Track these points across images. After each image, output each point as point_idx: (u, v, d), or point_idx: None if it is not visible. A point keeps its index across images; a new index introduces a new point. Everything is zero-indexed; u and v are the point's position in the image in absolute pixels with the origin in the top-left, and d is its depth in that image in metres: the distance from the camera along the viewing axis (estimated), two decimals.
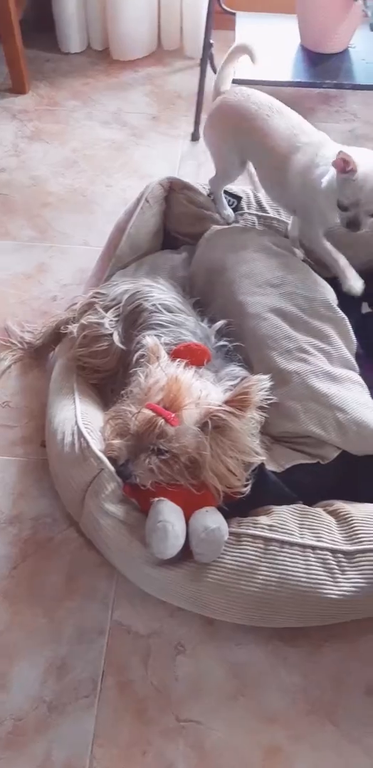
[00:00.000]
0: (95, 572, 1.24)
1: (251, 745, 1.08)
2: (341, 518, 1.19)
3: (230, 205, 1.61)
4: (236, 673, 1.15)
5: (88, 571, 1.24)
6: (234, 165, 1.55)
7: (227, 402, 1.05)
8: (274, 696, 1.13)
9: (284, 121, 1.46)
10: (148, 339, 1.13)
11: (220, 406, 1.05)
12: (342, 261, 1.45)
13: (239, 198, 1.64)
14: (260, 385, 1.06)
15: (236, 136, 1.50)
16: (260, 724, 1.10)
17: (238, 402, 1.05)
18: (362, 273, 1.47)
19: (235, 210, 1.61)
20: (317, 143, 1.42)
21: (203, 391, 1.07)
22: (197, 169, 2.06)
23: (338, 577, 1.10)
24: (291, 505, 1.20)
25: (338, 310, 1.42)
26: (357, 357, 1.46)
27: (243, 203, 1.64)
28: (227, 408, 1.04)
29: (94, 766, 1.05)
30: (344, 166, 1.29)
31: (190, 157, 2.14)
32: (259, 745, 1.08)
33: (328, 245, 1.46)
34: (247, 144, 1.50)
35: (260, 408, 1.10)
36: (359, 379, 1.37)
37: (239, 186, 1.70)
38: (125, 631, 1.18)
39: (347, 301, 1.52)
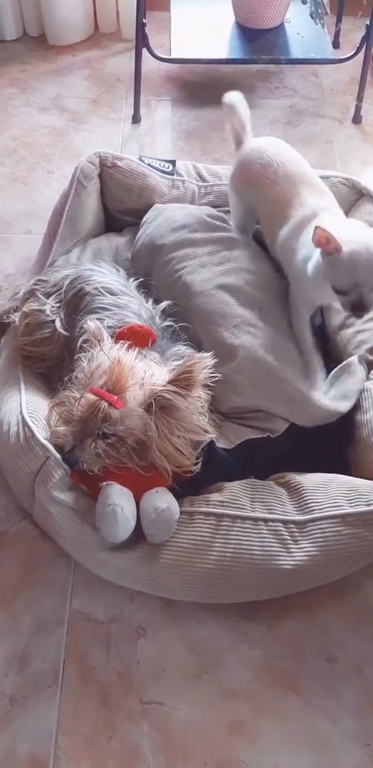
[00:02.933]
0: (52, 563, 1.23)
1: (215, 721, 1.09)
2: (292, 489, 1.20)
3: (165, 170, 1.59)
4: (197, 651, 1.15)
5: (44, 562, 1.23)
6: (243, 218, 1.49)
7: (170, 381, 1.04)
8: (235, 671, 1.13)
9: (287, 185, 1.35)
10: (90, 323, 1.12)
11: (164, 386, 1.04)
12: (314, 364, 1.34)
13: (173, 162, 1.63)
14: (204, 362, 1.06)
15: (244, 193, 1.46)
16: (223, 700, 1.11)
17: (182, 381, 1.05)
18: None
19: (171, 174, 1.60)
20: (309, 216, 1.28)
21: (147, 371, 1.07)
22: (140, 150, 2.04)
23: (291, 548, 1.11)
24: (242, 480, 1.20)
25: (282, 283, 1.42)
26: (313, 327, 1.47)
27: (182, 171, 1.62)
28: (171, 388, 1.04)
29: (58, 756, 1.04)
30: (325, 244, 1.15)
31: (132, 139, 2.11)
32: (223, 720, 1.09)
33: (308, 337, 1.36)
34: (253, 203, 1.44)
35: (206, 386, 1.10)
36: (308, 348, 1.38)
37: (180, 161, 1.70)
38: (85, 619, 1.17)
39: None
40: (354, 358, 1.34)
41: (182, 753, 1.06)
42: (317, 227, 1.14)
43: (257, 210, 1.44)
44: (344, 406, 1.29)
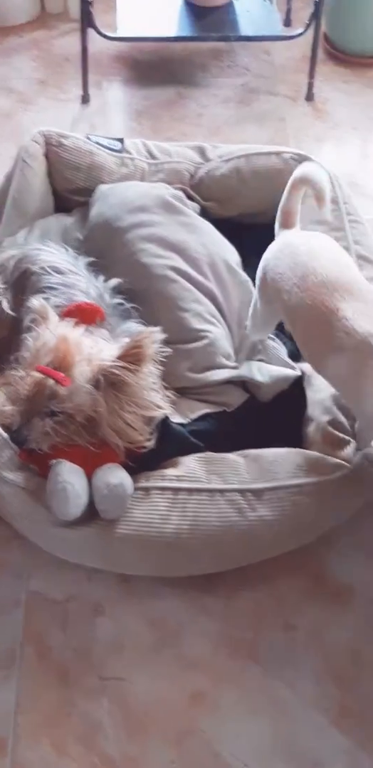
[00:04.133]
0: (6, 545, 1.22)
1: (176, 693, 1.09)
2: (249, 460, 1.20)
3: (113, 148, 1.58)
4: (156, 626, 1.15)
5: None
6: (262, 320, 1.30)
7: (119, 357, 1.04)
8: (195, 644, 1.14)
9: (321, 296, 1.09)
10: (35, 302, 1.10)
11: (113, 361, 1.03)
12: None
13: (121, 140, 1.61)
14: (153, 337, 1.06)
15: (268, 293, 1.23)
16: (183, 673, 1.11)
17: (131, 356, 1.04)
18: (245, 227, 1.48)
19: (120, 152, 1.58)
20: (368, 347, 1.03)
21: (94, 348, 1.06)
22: (91, 131, 2.01)
23: (248, 515, 1.12)
24: (199, 454, 1.20)
25: (240, 272, 1.43)
26: None
27: (131, 149, 1.61)
28: (120, 363, 1.03)
29: (18, 734, 1.04)
30: None
31: (82, 119, 2.09)
32: (183, 692, 1.10)
33: None
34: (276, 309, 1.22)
35: (156, 361, 1.10)
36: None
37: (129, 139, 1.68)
38: (42, 599, 1.17)
39: (247, 251, 1.54)
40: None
41: (142, 726, 1.06)
42: None
43: (285, 321, 1.21)
44: (293, 373, 1.31)
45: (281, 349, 1.37)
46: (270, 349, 1.37)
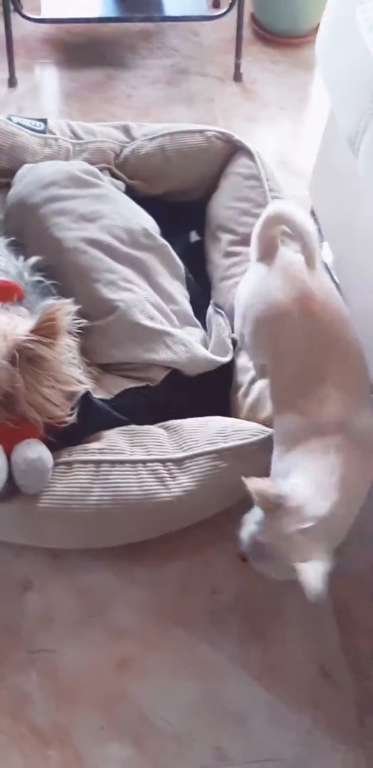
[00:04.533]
0: None
1: (104, 661, 1.12)
2: (171, 430, 1.23)
3: (36, 128, 1.57)
4: (84, 598, 1.17)
5: None
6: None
7: (33, 331, 1.04)
8: (123, 613, 1.16)
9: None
10: None
11: (27, 335, 1.04)
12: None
13: (44, 120, 1.61)
14: (65, 309, 1.06)
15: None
16: (111, 641, 1.13)
17: (45, 329, 1.04)
18: (172, 205, 1.49)
19: (43, 132, 1.58)
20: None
21: (10, 324, 1.06)
22: (19, 114, 1.98)
23: (169, 484, 1.14)
24: (122, 427, 1.22)
25: (158, 237, 1.44)
26: (188, 282, 1.50)
27: (55, 130, 1.60)
28: (35, 337, 1.03)
29: None
30: None
31: (9, 103, 2.07)
32: (111, 659, 1.12)
33: None
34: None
35: (72, 334, 1.11)
36: (186, 308, 1.41)
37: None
38: None
39: (174, 230, 1.56)
40: (209, 309, 1.39)
41: (72, 695, 1.08)
42: None
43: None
44: (224, 358, 1.33)
45: (225, 329, 1.38)
46: (214, 324, 1.39)
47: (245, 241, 1.47)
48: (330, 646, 1.15)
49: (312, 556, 0.88)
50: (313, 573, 0.85)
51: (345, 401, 0.98)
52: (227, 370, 1.34)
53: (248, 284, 1.16)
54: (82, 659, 1.11)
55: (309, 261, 1.04)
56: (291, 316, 1.03)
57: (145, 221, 1.44)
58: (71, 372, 1.13)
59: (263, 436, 1.18)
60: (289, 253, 1.12)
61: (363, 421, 0.98)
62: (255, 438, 1.18)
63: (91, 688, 1.09)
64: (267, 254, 1.12)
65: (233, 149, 1.63)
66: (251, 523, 0.96)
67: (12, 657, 1.10)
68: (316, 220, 1.70)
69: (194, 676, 1.11)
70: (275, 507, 0.91)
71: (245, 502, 1.22)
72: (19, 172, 1.48)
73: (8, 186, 1.54)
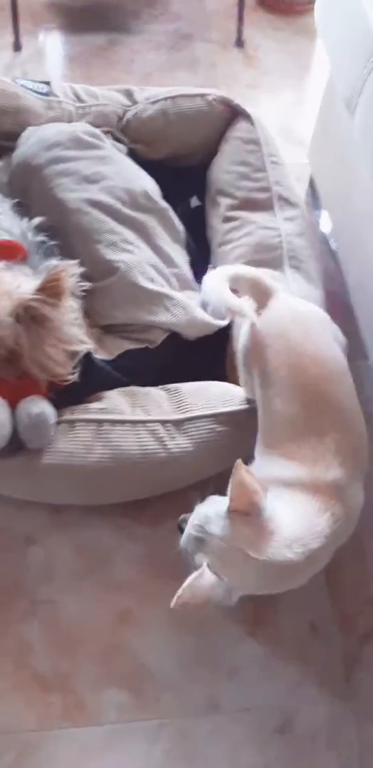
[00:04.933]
0: None
1: (104, 613, 1.15)
2: (171, 393, 1.25)
3: (40, 91, 1.57)
4: (85, 553, 1.21)
5: None
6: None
7: (38, 290, 1.06)
8: (122, 567, 1.20)
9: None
10: None
11: (32, 294, 1.06)
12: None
13: (48, 83, 1.61)
14: (70, 270, 1.08)
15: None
16: (110, 594, 1.17)
17: (50, 289, 1.06)
18: (173, 170, 1.49)
19: (47, 95, 1.58)
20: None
21: (14, 283, 1.08)
22: (23, 77, 1.99)
23: (167, 444, 1.17)
24: (122, 388, 1.24)
25: (160, 200, 1.45)
26: (188, 246, 1.51)
27: (59, 93, 1.60)
28: (40, 296, 1.06)
29: None
30: None
31: (14, 67, 2.05)
32: (111, 611, 1.16)
33: None
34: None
35: (76, 295, 1.12)
36: (186, 272, 1.42)
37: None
38: None
39: (175, 194, 1.56)
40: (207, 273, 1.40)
41: (72, 644, 1.12)
42: None
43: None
44: (222, 322, 1.35)
45: None
46: None
47: (243, 205, 1.49)
48: (320, 603, 1.18)
49: (238, 583, 0.88)
50: (225, 593, 0.87)
51: (343, 464, 0.93)
52: (225, 335, 1.36)
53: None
54: (82, 611, 1.15)
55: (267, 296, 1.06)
56: (278, 371, 1.00)
57: (147, 183, 1.45)
58: (74, 332, 1.15)
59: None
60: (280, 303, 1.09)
61: (353, 494, 0.95)
62: (252, 405, 1.20)
63: (91, 638, 1.13)
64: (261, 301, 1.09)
65: (233, 114, 1.64)
66: (209, 511, 0.91)
67: (15, 607, 1.14)
68: (315, 188, 1.71)
69: (189, 630, 1.14)
70: (246, 512, 0.87)
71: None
72: (24, 134, 1.49)
73: (13, 149, 1.55)
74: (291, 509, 0.90)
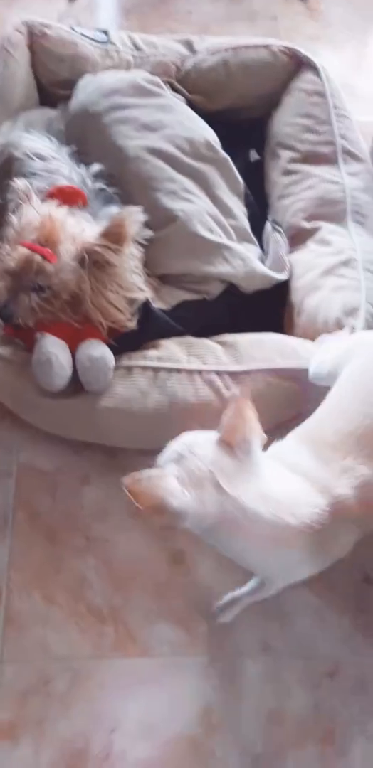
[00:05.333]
0: None
1: (156, 552, 1.19)
2: (227, 345, 1.26)
3: (98, 39, 1.58)
4: None
5: None
6: None
7: (101, 235, 1.08)
8: None
9: None
10: (18, 182, 1.13)
11: (96, 239, 1.07)
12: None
13: (106, 31, 1.61)
14: (134, 217, 1.09)
15: None
16: (163, 536, 1.20)
17: (113, 235, 1.08)
18: (232, 122, 1.48)
19: (105, 43, 1.58)
20: None
21: (77, 227, 1.10)
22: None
23: (223, 394, 1.18)
24: (178, 338, 1.26)
25: (220, 150, 1.44)
26: (247, 199, 1.50)
27: (116, 42, 1.60)
28: (103, 242, 1.07)
29: (11, 588, 1.14)
30: None
31: (69, 16, 2.05)
32: (163, 551, 1.19)
33: None
34: None
35: (138, 243, 1.14)
36: (244, 224, 1.41)
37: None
38: (32, 471, 1.25)
39: (232, 146, 1.55)
40: (267, 226, 1.39)
41: (126, 581, 1.16)
42: None
43: None
44: (282, 276, 1.35)
45: (282, 246, 1.39)
46: (271, 241, 1.39)
47: (305, 158, 1.47)
48: None
49: (196, 509, 0.81)
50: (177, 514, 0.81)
51: (356, 497, 0.87)
52: (282, 289, 1.36)
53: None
54: (134, 550, 1.19)
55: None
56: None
57: (208, 133, 1.44)
58: (134, 279, 1.17)
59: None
60: None
61: (343, 530, 0.90)
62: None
63: (144, 576, 1.16)
64: None
65: (298, 65, 1.61)
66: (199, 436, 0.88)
67: (71, 542, 1.19)
68: None
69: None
70: (234, 447, 0.84)
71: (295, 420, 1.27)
72: (81, 82, 1.49)
73: (69, 98, 1.56)
74: (283, 479, 0.88)
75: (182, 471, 0.82)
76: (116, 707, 1.07)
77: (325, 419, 0.97)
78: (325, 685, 1.09)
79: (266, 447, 0.90)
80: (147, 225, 1.22)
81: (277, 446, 0.94)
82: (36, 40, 1.53)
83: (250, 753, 1.05)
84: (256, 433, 0.84)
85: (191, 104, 1.58)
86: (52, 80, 1.57)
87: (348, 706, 1.08)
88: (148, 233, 1.17)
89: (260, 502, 0.82)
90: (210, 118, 1.54)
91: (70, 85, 1.53)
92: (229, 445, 0.84)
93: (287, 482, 0.88)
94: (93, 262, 1.08)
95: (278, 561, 0.91)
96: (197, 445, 0.85)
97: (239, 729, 1.06)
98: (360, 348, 1.04)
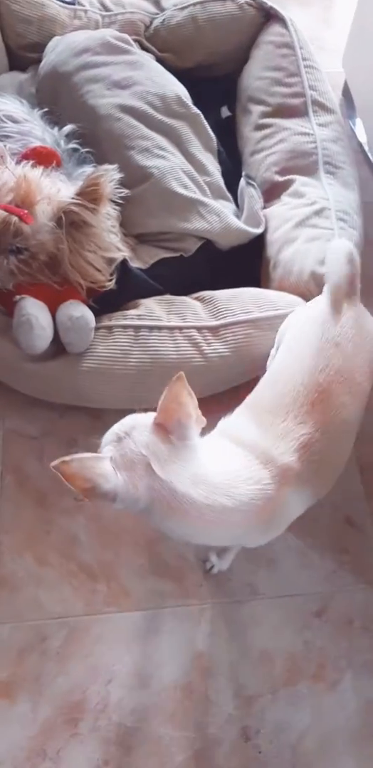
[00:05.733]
0: None
1: None
2: (206, 301, 1.27)
3: (66, 1, 1.55)
4: None
5: None
6: None
7: (77, 194, 1.07)
8: None
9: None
10: None
11: (72, 199, 1.07)
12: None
13: None
14: (109, 175, 1.09)
15: None
16: None
17: (89, 194, 1.08)
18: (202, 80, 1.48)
19: (72, 3, 1.56)
20: None
21: (53, 188, 1.09)
22: None
23: (204, 350, 1.20)
24: (158, 297, 1.26)
25: (192, 105, 1.44)
26: (220, 156, 1.49)
27: (84, 1, 1.58)
28: (79, 201, 1.07)
29: (2, 551, 1.15)
30: None
31: None
32: None
33: None
34: None
35: (113, 202, 1.14)
36: (218, 180, 1.41)
37: None
38: (18, 436, 1.26)
39: (204, 104, 1.54)
40: (242, 181, 1.40)
41: (116, 537, 1.18)
42: None
43: None
44: (257, 230, 1.36)
45: (257, 200, 1.39)
46: (246, 196, 1.39)
47: (276, 112, 1.47)
48: (355, 498, 1.23)
49: (128, 490, 0.80)
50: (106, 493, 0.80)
51: (302, 462, 0.88)
52: (258, 243, 1.37)
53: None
54: None
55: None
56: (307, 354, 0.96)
57: (179, 89, 1.44)
58: (111, 239, 1.17)
59: (296, 307, 1.21)
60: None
61: (292, 498, 0.89)
62: (289, 310, 1.20)
63: (133, 532, 1.19)
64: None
65: (266, 18, 1.60)
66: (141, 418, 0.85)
67: (60, 504, 1.20)
68: (350, 97, 1.68)
69: None
70: (170, 430, 0.82)
71: None
72: (51, 43, 1.47)
73: (38, 61, 1.54)
74: (224, 458, 0.86)
75: (117, 453, 0.81)
76: (112, 660, 1.10)
77: (265, 388, 0.98)
78: (313, 623, 1.13)
79: (206, 429, 0.87)
80: (122, 183, 1.21)
81: (225, 420, 0.94)
82: (3, 1, 1.50)
83: (243, 695, 1.08)
84: (191, 416, 0.82)
85: (161, 62, 1.56)
86: (20, 43, 1.54)
87: (336, 642, 1.12)
88: (124, 192, 1.16)
89: (192, 486, 0.81)
90: (181, 75, 1.53)
91: (38, 48, 1.51)
92: (164, 428, 0.82)
93: (228, 461, 0.86)
94: (70, 223, 1.08)
95: (225, 537, 0.92)
96: (134, 427, 0.83)
97: (231, 672, 1.10)
98: (294, 319, 1.08)
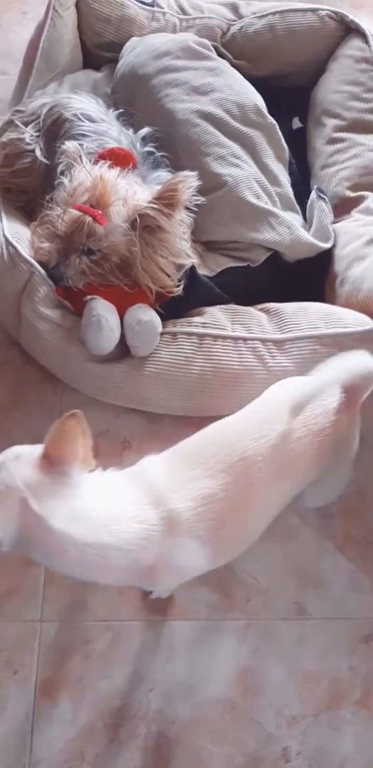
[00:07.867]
0: (40, 387, 1.29)
1: None
2: (271, 313, 1.26)
3: (144, 2, 1.56)
4: None
5: (33, 386, 1.29)
6: None
7: (154, 199, 1.07)
8: None
9: None
10: (69, 144, 1.13)
11: (148, 203, 1.07)
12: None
13: None
14: (188, 182, 1.08)
15: None
16: None
17: (166, 199, 1.07)
18: (275, 89, 1.46)
19: (152, 5, 1.56)
20: None
21: (129, 190, 1.09)
22: None
23: (267, 362, 1.18)
24: (223, 305, 1.25)
25: (268, 115, 1.42)
26: (290, 167, 1.48)
27: (163, 4, 1.58)
28: (155, 205, 1.07)
29: None
30: None
31: None
32: None
33: None
34: None
35: (188, 209, 1.13)
36: (289, 192, 1.40)
37: None
38: None
39: (276, 114, 1.53)
40: (312, 194, 1.37)
41: None
42: None
43: None
44: (326, 244, 1.34)
45: (327, 215, 1.37)
46: (316, 210, 1.38)
47: (351, 126, 1.45)
48: None
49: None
50: None
51: (196, 514, 0.83)
52: (323, 258, 1.35)
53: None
54: None
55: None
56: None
57: (256, 97, 1.43)
58: (183, 245, 1.16)
59: (364, 328, 1.19)
60: None
61: (182, 547, 0.84)
62: (358, 329, 1.19)
63: None
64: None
65: (346, 31, 1.58)
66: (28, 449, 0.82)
67: None
68: None
69: (278, 539, 1.17)
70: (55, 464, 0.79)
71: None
72: (129, 44, 1.48)
73: (114, 61, 1.55)
74: (112, 495, 0.84)
75: None
76: (154, 668, 1.09)
77: (200, 433, 0.94)
78: (360, 649, 1.10)
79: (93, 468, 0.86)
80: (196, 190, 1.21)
81: (148, 457, 0.91)
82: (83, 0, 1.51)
83: (285, 715, 1.06)
84: (77, 456, 0.80)
85: (235, 69, 1.55)
86: (97, 42, 1.55)
87: None
88: (201, 199, 1.15)
89: (71, 522, 0.77)
90: (253, 84, 1.52)
91: (114, 47, 1.52)
92: (49, 462, 0.79)
93: (116, 498, 0.83)
94: (144, 226, 1.08)
95: (113, 578, 0.87)
96: (17, 459, 0.79)
97: (274, 691, 1.08)
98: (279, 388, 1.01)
